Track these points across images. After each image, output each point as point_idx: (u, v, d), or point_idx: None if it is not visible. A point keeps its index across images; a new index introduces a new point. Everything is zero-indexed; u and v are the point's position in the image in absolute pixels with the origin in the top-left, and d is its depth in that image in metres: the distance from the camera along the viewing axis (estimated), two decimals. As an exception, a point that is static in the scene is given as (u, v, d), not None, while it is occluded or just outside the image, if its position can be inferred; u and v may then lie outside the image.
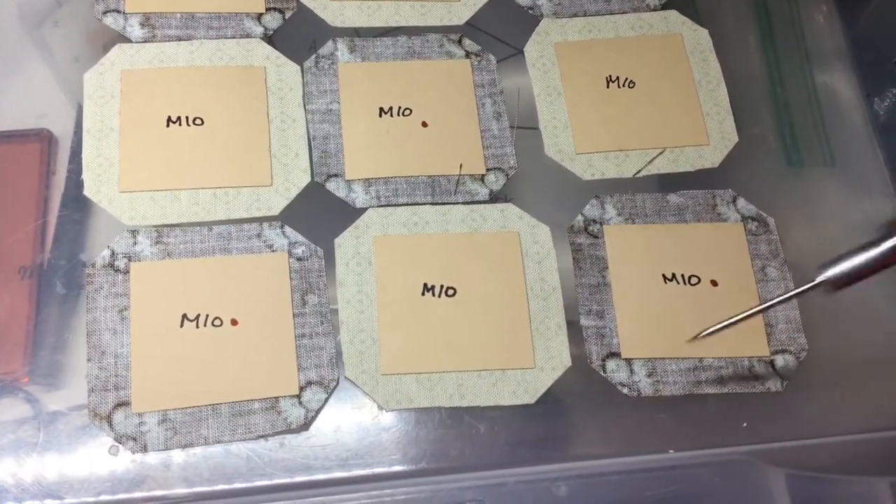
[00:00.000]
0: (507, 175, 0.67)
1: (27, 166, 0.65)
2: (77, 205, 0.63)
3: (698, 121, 0.70)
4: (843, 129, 0.73)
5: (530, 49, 0.72)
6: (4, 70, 0.68)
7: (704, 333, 0.58)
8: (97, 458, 0.56)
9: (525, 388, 0.60)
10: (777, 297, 0.55)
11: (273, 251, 0.62)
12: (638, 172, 0.68)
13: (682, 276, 0.64)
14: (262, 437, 0.57)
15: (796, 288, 0.54)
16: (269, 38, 0.70)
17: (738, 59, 0.74)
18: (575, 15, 0.74)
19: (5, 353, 0.59)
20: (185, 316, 0.59)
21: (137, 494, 0.56)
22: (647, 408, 0.61)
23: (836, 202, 0.70)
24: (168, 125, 0.65)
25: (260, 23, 0.70)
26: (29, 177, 0.64)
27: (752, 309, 0.56)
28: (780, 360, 0.62)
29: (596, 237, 0.65)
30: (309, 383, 0.59)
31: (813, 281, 0.53)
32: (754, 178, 0.69)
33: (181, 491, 0.56)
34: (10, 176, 0.64)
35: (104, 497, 0.55)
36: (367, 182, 0.66)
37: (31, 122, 0.66)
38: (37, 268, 0.61)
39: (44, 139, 0.65)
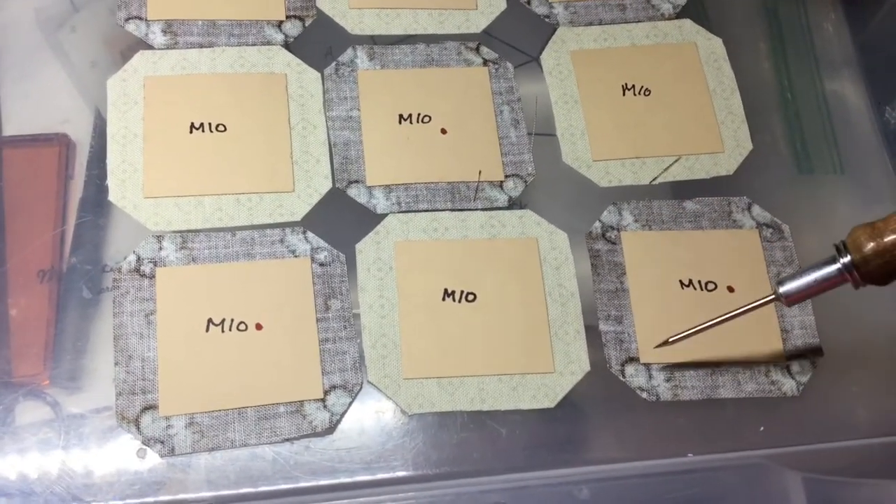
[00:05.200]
0: (525, 182, 0.68)
1: (46, 171, 0.65)
2: (97, 209, 0.64)
3: (713, 128, 0.71)
4: (853, 137, 0.74)
5: (547, 57, 0.73)
6: (21, 75, 0.68)
7: (672, 339, 0.60)
8: (120, 461, 0.57)
9: (545, 392, 0.61)
10: (736, 309, 0.58)
11: (296, 256, 0.63)
12: (654, 179, 0.69)
13: (699, 282, 0.65)
14: (287, 440, 0.58)
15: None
16: (290, 46, 0.71)
17: (748, 67, 0.75)
18: (590, 23, 0.75)
19: (26, 356, 0.60)
20: (210, 320, 0.60)
21: (163, 497, 0.56)
22: (666, 412, 0.61)
23: (846, 209, 0.71)
24: (191, 131, 0.66)
25: (280, 30, 0.71)
26: (48, 181, 0.65)
27: (713, 320, 0.58)
28: (795, 366, 0.63)
29: (613, 243, 0.66)
30: (333, 387, 0.60)
31: (769, 295, 0.56)
32: (766, 184, 0.70)
33: (207, 494, 0.56)
34: (29, 180, 0.65)
35: (129, 500, 0.56)
36: (388, 188, 0.66)
37: (49, 127, 0.67)
38: (56, 271, 0.62)
39: (62, 144, 0.66)
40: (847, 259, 0.53)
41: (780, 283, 0.55)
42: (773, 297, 0.56)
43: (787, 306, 0.57)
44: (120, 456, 0.57)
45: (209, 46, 0.69)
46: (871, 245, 0.51)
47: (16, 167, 0.65)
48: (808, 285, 0.54)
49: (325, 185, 0.66)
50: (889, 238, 0.51)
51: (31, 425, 0.57)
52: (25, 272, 0.62)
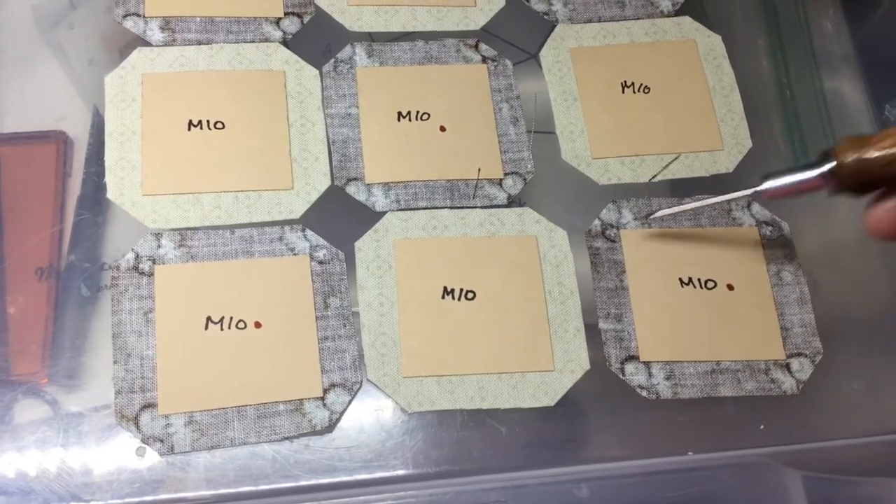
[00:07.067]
0: (524, 179, 0.68)
1: (43, 168, 0.65)
2: (95, 207, 0.64)
3: (713, 126, 0.71)
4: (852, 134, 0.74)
5: (546, 54, 0.73)
6: (19, 72, 0.68)
7: (655, 216, 0.65)
8: (118, 459, 0.57)
9: (545, 390, 0.61)
10: (720, 196, 0.63)
11: (295, 254, 0.63)
12: (654, 177, 0.69)
13: (699, 280, 0.65)
14: (287, 438, 0.58)
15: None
16: (288, 43, 0.70)
17: (747, 64, 0.75)
18: (589, 21, 0.75)
19: (24, 354, 0.59)
20: (209, 318, 0.60)
21: (162, 496, 0.56)
22: (666, 410, 0.61)
23: (845, 207, 0.70)
24: (189, 129, 0.66)
25: (279, 27, 0.71)
26: (45, 179, 0.65)
27: (695, 200, 0.64)
28: (795, 364, 0.63)
29: (613, 241, 0.66)
30: (332, 385, 0.60)
31: (752, 188, 0.60)
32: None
33: (207, 492, 0.56)
34: (27, 178, 0.65)
35: (128, 499, 0.56)
36: (387, 186, 0.66)
37: (47, 124, 0.66)
38: (54, 269, 0.61)
39: (60, 141, 0.66)
40: (829, 165, 0.56)
41: (764, 178, 0.59)
42: (753, 190, 0.60)
43: (764, 199, 0.60)
44: (119, 454, 0.57)
45: (207, 43, 0.69)
46: (853, 155, 0.54)
47: (13, 165, 0.65)
48: (787, 185, 0.59)
49: (324, 183, 0.66)
50: (872, 151, 0.54)
51: (30, 423, 0.57)
52: (23, 270, 0.61)
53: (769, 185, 0.59)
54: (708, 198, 0.63)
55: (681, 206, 0.65)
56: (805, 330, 0.64)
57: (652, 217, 0.65)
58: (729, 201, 0.63)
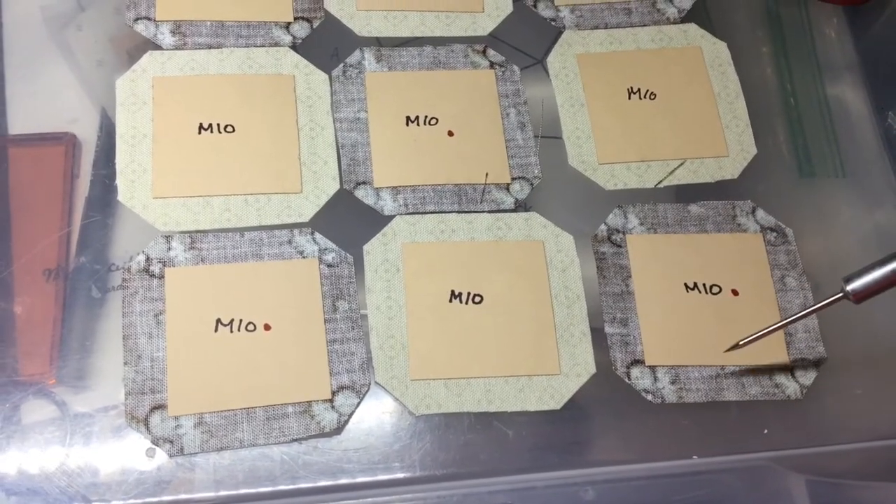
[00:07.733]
0: (531, 184, 0.68)
1: (52, 170, 0.65)
2: (105, 209, 0.64)
3: (718, 132, 0.71)
4: (854, 141, 0.74)
5: (553, 60, 0.73)
6: (28, 73, 0.69)
7: (742, 343, 0.59)
8: (127, 460, 0.57)
9: (551, 394, 0.61)
10: (805, 309, 0.58)
11: (304, 257, 0.63)
12: (659, 183, 0.69)
13: (704, 285, 0.65)
14: (295, 440, 0.58)
15: (819, 300, 0.57)
16: (297, 47, 0.71)
17: (751, 71, 0.76)
18: (596, 27, 0.75)
19: (33, 355, 0.60)
20: (219, 321, 0.60)
21: (170, 497, 0.56)
22: (671, 414, 0.62)
23: (848, 213, 0.71)
24: (200, 132, 0.66)
25: (288, 31, 0.71)
26: (54, 180, 0.65)
27: (782, 321, 0.59)
28: (799, 369, 0.64)
29: (619, 246, 0.67)
30: (341, 388, 0.60)
31: (837, 293, 0.56)
32: (769, 188, 0.71)
33: (215, 494, 0.56)
34: (35, 179, 0.65)
35: (136, 500, 0.56)
36: (395, 190, 0.67)
37: (56, 126, 0.67)
38: (62, 270, 0.62)
39: (68, 142, 0.66)
40: None
41: (847, 280, 0.55)
42: (841, 294, 0.56)
43: (855, 303, 0.55)
44: (127, 455, 0.57)
45: (217, 47, 0.70)
46: None
47: (22, 166, 0.65)
48: (876, 281, 0.54)
49: (333, 187, 0.66)
50: None
51: (38, 424, 0.58)
52: (32, 271, 0.62)
53: (855, 286, 0.54)
54: (794, 316, 0.58)
55: (765, 330, 0.59)
56: (809, 335, 0.65)
57: (741, 344, 0.60)
58: (817, 311, 0.57)
